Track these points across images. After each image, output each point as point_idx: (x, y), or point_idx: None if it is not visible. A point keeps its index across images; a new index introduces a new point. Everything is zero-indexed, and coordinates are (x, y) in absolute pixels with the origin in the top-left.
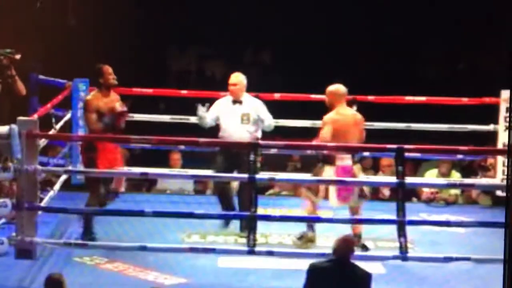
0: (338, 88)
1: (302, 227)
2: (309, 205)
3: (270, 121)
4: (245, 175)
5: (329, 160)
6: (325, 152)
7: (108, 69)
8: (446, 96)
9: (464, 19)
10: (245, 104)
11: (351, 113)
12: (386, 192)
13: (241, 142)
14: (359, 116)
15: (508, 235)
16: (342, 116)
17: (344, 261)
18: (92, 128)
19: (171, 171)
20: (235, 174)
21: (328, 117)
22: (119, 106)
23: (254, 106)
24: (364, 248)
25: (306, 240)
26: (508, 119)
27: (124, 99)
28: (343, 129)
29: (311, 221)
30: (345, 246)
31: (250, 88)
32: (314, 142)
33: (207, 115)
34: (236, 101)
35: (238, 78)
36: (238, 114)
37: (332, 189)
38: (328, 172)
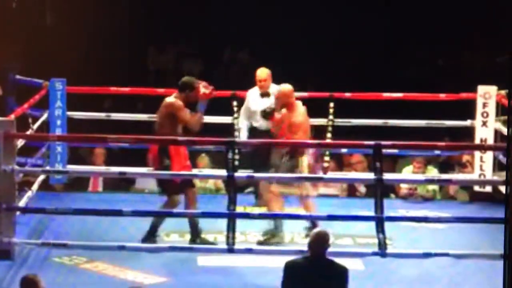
0: (289, 87)
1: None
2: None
3: None
4: (225, 174)
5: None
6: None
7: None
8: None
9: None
10: (273, 97)
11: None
12: (362, 189)
13: (217, 139)
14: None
15: (508, 231)
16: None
17: (319, 257)
18: (189, 122)
19: (149, 170)
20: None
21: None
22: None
23: None
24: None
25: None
26: (485, 115)
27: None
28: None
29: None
30: (318, 241)
31: (229, 87)
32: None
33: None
34: (264, 94)
35: (266, 73)
36: (264, 106)
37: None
38: (306, 161)
